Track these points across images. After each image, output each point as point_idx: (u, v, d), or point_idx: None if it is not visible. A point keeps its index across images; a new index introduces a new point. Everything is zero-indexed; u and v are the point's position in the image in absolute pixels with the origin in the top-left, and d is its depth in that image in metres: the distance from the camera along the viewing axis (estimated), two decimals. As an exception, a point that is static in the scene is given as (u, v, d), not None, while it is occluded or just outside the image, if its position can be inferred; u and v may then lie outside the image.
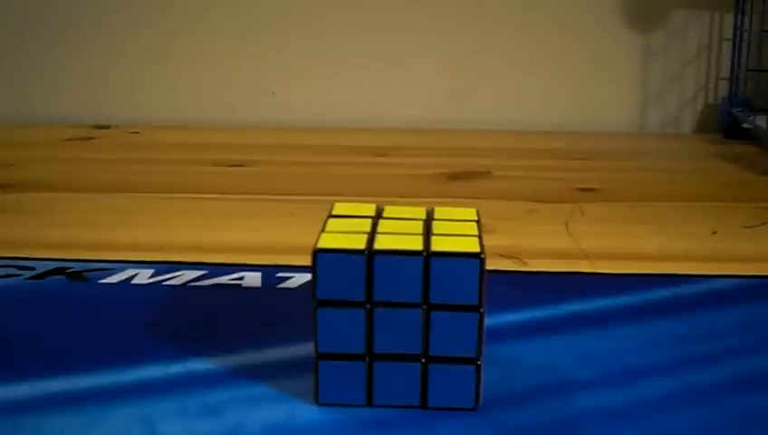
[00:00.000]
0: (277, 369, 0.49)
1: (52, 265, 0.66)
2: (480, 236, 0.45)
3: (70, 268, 0.65)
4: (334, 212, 0.49)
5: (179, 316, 0.57)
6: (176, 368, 0.49)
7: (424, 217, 0.48)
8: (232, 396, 0.46)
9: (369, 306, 0.43)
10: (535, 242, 0.74)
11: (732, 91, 1.20)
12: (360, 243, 0.44)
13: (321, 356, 0.44)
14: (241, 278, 0.64)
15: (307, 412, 0.44)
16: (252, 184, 0.94)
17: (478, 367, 0.44)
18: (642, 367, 0.50)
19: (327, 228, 0.46)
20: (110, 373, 0.48)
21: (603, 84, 1.26)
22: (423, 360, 0.44)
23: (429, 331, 0.44)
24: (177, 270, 0.65)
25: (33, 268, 0.65)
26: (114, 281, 0.63)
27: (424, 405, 0.45)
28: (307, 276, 0.57)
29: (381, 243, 0.44)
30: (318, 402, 0.45)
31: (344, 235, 0.45)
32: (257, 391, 0.47)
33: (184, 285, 0.62)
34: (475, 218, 0.48)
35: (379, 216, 0.48)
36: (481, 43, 1.26)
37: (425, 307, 0.44)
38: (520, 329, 0.55)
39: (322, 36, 1.27)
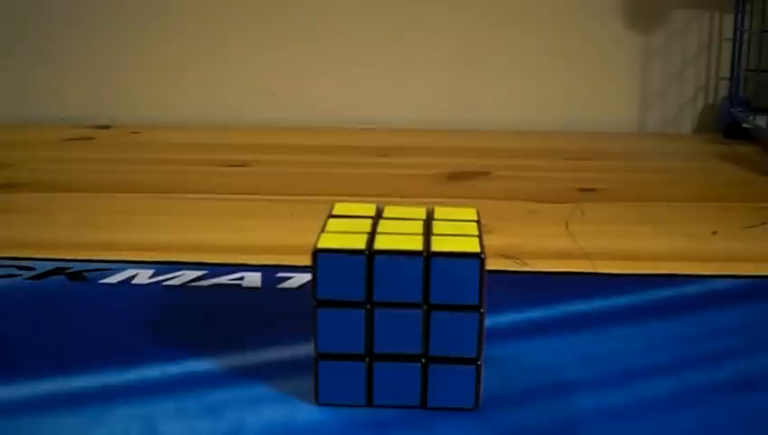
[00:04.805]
0: (277, 369, 0.49)
1: (52, 265, 0.66)
2: (480, 237, 0.45)
3: (70, 268, 0.65)
4: (334, 212, 0.49)
5: (179, 316, 0.57)
6: (176, 368, 0.49)
7: (424, 217, 0.48)
8: (232, 396, 0.46)
9: (369, 306, 0.43)
10: (535, 242, 0.74)
11: (732, 91, 1.20)
12: (360, 243, 0.44)
13: (321, 356, 0.44)
14: (241, 278, 0.64)
15: (307, 412, 0.44)
16: (252, 184, 0.94)
17: (478, 367, 0.44)
18: (642, 367, 0.50)
19: (327, 228, 0.46)
20: (110, 373, 0.48)
21: (603, 84, 1.26)
22: (423, 360, 0.44)
23: (429, 331, 0.44)
24: (178, 270, 0.65)
25: (33, 268, 0.65)
26: (114, 281, 0.63)
27: (424, 405, 0.45)
28: (307, 276, 0.57)
29: (381, 243, 0.44)
30: (318, 402, 0.45)
31: (344, 235, 0.45)
32: (257, 391, 0.47)
33: (184, 285, 0.62)
34: (475, 218, 0.48)
35: (379, 216, 0.48)
36: (481, 43, 1.26)
37: (425, 307, 0.43)
38: (520, 329, 0.55)
39: (323, 36, 1.27)
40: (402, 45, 1.26)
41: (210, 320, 0.56)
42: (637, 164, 1.08)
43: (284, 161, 1.05)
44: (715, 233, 0.77)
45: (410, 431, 0.43)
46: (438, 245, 0.44)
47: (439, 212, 0.49)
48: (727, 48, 1.22)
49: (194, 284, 0.63)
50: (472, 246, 0.44)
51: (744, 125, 1.17)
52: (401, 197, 0.88)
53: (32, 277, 0.63)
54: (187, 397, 0.46)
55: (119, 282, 0.63)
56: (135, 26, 1.27)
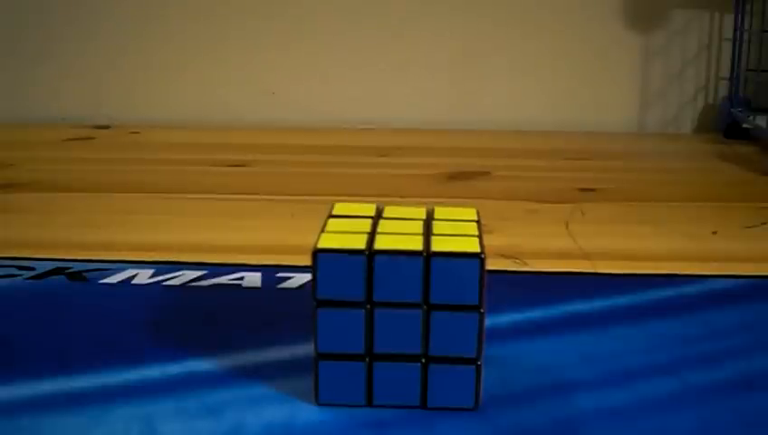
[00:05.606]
0: (277, 369, 0.49)
1: (52, 265, 0.66)
2: (480, 236, 0.45)
3: (70, 268, 0.65)
4: (334, 212, 0.49)
5: (179, 316, 0.57)
6: (176, 368, 0.49)
7: (424, 217, 0.48)
8: (232, 396, 0.46)
9: (369, 306, 0.43)
10: (535, 242, 0.74)
11: (732, 91, 1.20)
12: (360, 243, 0.44)
13: (321, 356, 0.44)
14: (241, 278, 0.64)
15: (307, 412, 0.44)
16: (252, 184, 0.94)
17: (478, 367, 0.44)
18: (642, 367, 0.50)
19: (327, 228, 0.46)
20: (110, 373, 0.48)
21: (603, 84, 1.26)
22: (423, 360, 0.44)
23: (429, 331, 0.44)
24: (178, 270, 0.65)
25: (33, 268, 0.65)
26: (114, 281, 0.63)
27: (424, 405, 0.45)
28: (307, 276, 0.57)
29: (381, 243, 0.44)
30: (318, 402, 0.45)
31: (344, 235, 0.45)
32: (257, 391, 0.47)
33: (184, 285, 0.62)
34: (475, 218, 0.48)
35: (379, 216, 0.48)
36: (481, 43, 1.26)
37: (425, 307, 0.43)
38: (520, 329, 0.55)
39: (323, 36, 1.27)
40: (402, 45, 1.26)
41: (210, 320, 0.56)
42: (637, 164, 1.08)
43: (284, 161, 1.05)
44: (715, 233, 0.77)
45: (410, 431, 0.43)
46: (438, 245, 0.44)
47: (439, 212, 0.49)
48: (727, 48, 1.22)
49: (194, 284, 0.63)
50: (472, 246, 0.44)
51: (744, 125, 1.17)
52: (401, 197, 0.88)
53: (32, 277, 0.63)
54: (187, 397, 0.46)
55: (119, 282, 0.63)
56: (134, 26, 1.27)
